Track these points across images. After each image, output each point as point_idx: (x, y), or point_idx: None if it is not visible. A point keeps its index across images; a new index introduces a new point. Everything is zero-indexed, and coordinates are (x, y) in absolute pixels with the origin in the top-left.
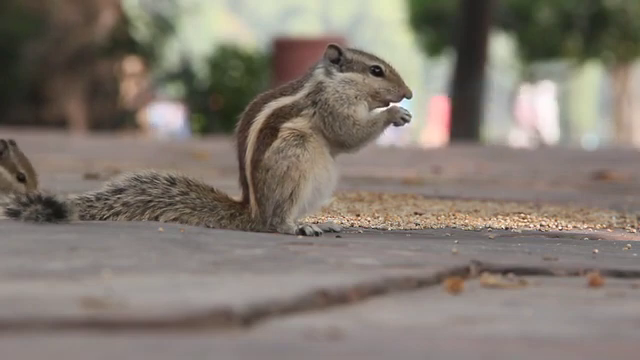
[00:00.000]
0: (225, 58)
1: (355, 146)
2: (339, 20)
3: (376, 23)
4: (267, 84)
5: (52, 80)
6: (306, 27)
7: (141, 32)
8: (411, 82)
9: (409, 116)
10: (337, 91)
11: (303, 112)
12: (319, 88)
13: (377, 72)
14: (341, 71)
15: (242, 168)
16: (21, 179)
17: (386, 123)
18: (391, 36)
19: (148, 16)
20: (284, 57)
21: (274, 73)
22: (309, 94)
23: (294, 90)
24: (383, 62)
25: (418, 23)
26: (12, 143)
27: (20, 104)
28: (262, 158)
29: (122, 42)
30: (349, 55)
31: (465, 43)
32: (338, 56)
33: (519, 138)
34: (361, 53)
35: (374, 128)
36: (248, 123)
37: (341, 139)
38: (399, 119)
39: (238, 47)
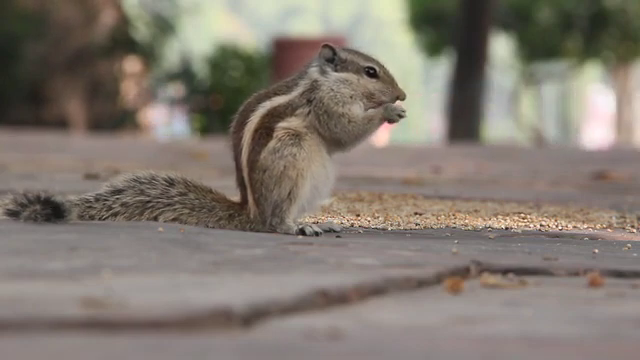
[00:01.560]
0: (225, 58)
1: (351, 143)
2: (339, 20)
3: (376, 23)
4: (267, 84)
5: (52, 80)
6: (306, 27)
7: (141, 32)
8: (411, 82)
9: (404, 112)
10: (332, 89)
11: (298, 111)
12: (314, 86)
13: (371, 73)
14: (336, 71)
15: (239, 169)
16: None
17: (381, 120)
18: (391, 36)
19: (148, 16)
20: (284, 57)
21: (274, 73)
22: (304, 92)
23: (288, 89)
24: (377, 63)
25: (418, 23)
26: None
27: (20, 104)
28: (258, 159)
29: (122, 42)
30: (343, 55)
31: (465, 43)
32: (332, 56)
33: (594, 138)
34: (355, 53)
35: (369, 125)
36: (242, 123)
37: (337, 137)
38: (395, 116)
39: (238, 47)
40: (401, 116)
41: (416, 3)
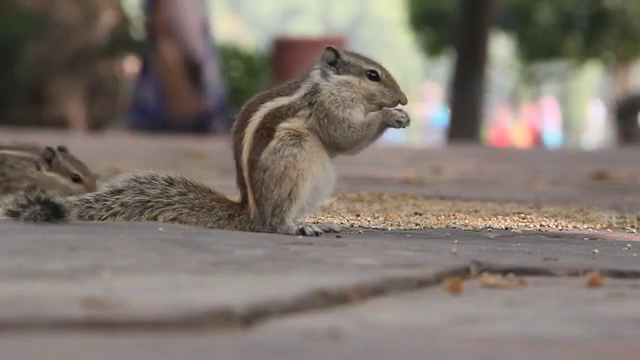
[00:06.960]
0: (225, 58)
1: (350, 148)
2: (339, 20)
3: (376, 23)
4: (267, 84)
5: (52, 80)
6: (306, 27)
7: (141, 32)
8: (411, 82)
9: (405, 118)
10: (333, 93)
11: (299, 113)
12: (315, 90)
13: (373, 76)
14: (337, 73)
15: (239, 169)
16: (76, 180)
17: (381, 125)
18: (391, 36)
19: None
20: (284, 57)
21: (274, 73)
22: (305, 95)
23: (291, 91)
24: (379, 66)
25: (418, 23)
26: (61, 149)
27: (20, 104)
28: (259, 158)
29: (122, 42)
30: (346, 58)
31: (465, 43)
32: (335, 58)
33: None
34: (358, 56)
35: (369, 130)
36: (244, 123)
37: (336, 141)
38: (394, 122)
39: (238, 47)
40: (400, 122)
41: (416, 3)
